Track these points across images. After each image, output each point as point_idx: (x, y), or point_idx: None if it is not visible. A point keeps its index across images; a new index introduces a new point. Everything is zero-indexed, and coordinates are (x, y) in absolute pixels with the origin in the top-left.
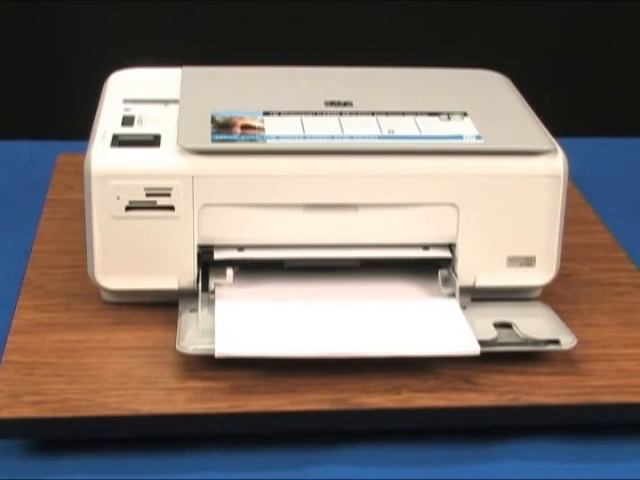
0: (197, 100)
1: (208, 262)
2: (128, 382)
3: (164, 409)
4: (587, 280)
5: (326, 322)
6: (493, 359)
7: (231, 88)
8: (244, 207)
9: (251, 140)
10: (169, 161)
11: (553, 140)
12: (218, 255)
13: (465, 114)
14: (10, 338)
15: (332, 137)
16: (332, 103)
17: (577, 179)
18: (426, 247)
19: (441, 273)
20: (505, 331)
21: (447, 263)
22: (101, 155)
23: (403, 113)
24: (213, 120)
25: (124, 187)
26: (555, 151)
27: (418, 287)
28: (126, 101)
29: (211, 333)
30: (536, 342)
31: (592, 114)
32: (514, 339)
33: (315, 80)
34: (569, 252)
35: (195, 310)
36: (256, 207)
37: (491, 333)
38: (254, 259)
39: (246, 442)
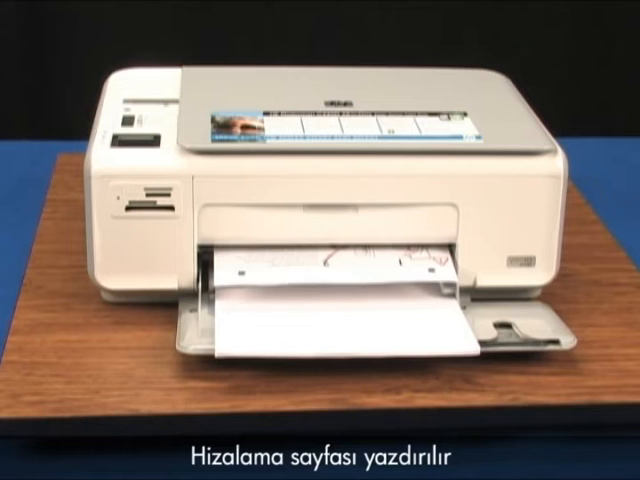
0: (197, 100)
1: (208, 262)
2: (128, 382)
3: (164, 409)
4: (587, 280)
5: (326, 322)
6: (493, 359)
7: (231, 88)
8: (244, 207)
9: (251, 140)
10: (169, 161)
11: (553, 140)
12: (218, 281)
13: (465, 114)
14: (10, 338)
15: (332, 137)
16: (332, 103)
17: (577, 179)
18: (432, 269)
19: None
20: (505, 331)
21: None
22: (101, 155)
23: (403, 113)
24: (213, 120)
25: (124, 187)
26: (555, 151)
27: (418, 287)
28: (126, 101)
29: (211, 333)
30: (536, 342)
31: (592, 114)
32: (514, 339)
33: (315, 80)
34: (569, 252)
35: (195, 310)
36: (256, 207)
37: (491, 333)
38: (255, 285)
39: (246, 442)
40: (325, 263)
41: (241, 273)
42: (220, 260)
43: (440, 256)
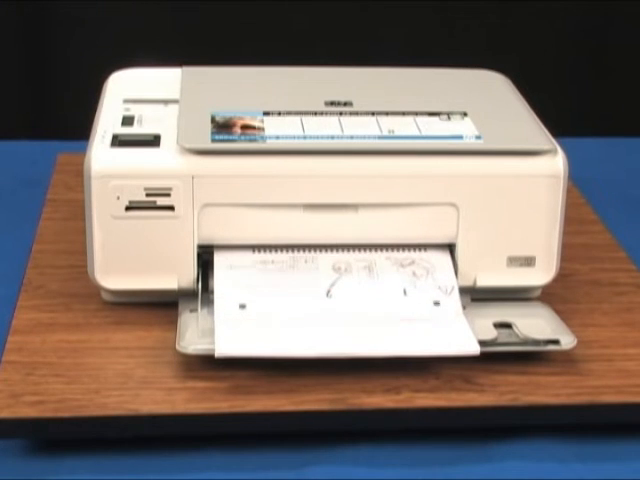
0: (197, 100)
1: (208, 262)
2: (128, 382)
3: (164, 409)
4: (587, 280)
5: (326, 322)
6: (493, 359)
7: (231, 88)
8: (244, 207)
9: (251, 140)
10: (169, 161)
11: (553, 140)
12: (219, 316)
13: (465, 114)
14: (10, 338)
15: (332, 137)
16: (332, 103)
17: (577, 179)
18: (437, 302)
19: None
20: (505, 331)
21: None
22: (101, 155)
23: (403, 113)
24: (213, 120)
25: (124, 187)
26: (555, 151)
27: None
28: (126, 101)
29: (211, 333)
30: (536, 342)
31: (592, 114)
32: (514, 339)
33: (315, 80)
34: (569, 252)
35: (195, 310)
36: (256, 207)
37: (491, 333)
38: (256, 320)
39: (246, 442)
40: (328, 294)
41: (242, 306)
42: (220, 288)
43: (446, 284)
